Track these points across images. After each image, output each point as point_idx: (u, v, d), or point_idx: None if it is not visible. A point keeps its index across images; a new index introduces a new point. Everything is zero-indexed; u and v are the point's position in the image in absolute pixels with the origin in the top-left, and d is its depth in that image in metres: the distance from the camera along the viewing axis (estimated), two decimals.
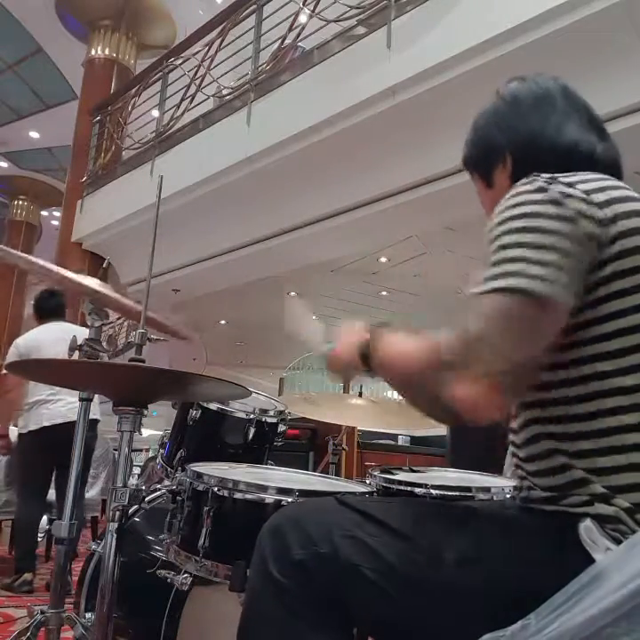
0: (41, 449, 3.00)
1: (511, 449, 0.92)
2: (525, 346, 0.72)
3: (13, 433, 3.31)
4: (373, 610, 0.78)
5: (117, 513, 1.17)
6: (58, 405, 3.02)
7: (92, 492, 4.08)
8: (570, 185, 0.77)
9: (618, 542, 0.72)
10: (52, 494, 3.95)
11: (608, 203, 0.77)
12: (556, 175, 0.79)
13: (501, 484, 1.26)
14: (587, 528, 0.72)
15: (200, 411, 1.65)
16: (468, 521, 0.80)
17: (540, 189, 0.77)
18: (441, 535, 0.77)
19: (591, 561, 0.70)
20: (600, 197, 0.77)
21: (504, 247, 0.75)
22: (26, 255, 1.39)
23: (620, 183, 0.83)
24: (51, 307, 3.17)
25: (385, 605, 0.77)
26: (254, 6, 4.78)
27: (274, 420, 1.71)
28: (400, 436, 4.51)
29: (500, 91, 0.99)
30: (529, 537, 0.76)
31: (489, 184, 0.97)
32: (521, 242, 0.73)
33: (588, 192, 0.77)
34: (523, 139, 0.92)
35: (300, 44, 4.46)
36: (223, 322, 10.18)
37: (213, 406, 1.65)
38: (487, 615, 0.71)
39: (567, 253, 0.72)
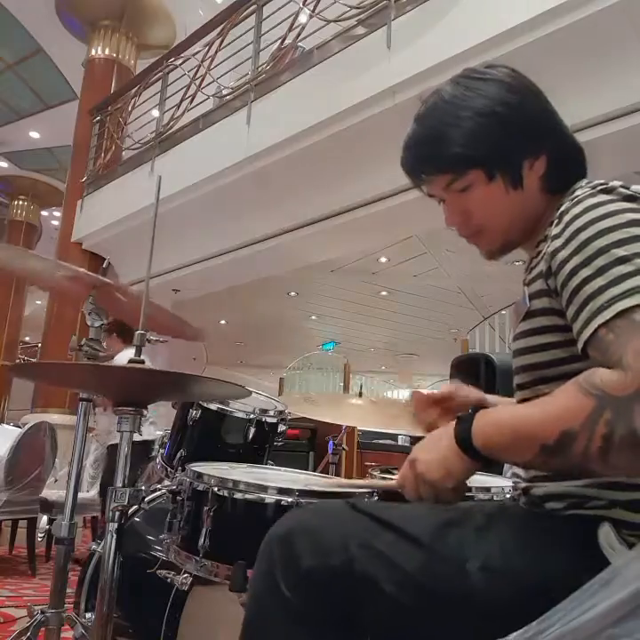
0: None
1: None
2: None
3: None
4: (389, 622, 0.75)
5: (117, 513, 1.17)
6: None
7: (92, 492, 4.08)
8: None
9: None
10: (52, 494, 3.96)
11: None
12: (619, 183, 0.78)
13: (501, 484, 1.26)
14: (605, 533, 0.71)
15: (200, 411, 1.65)
16: (489, 528, 0.77)
17: (630, 198, 0.76)
18: (463, 544, 0.74)
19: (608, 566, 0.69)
20: None
21: (625, 259, 0.70)
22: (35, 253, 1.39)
23: None
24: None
25: (401, 617, 0.74)
26: (254, 6, 4.77)
27: (274, 420, 1.71)
28: (400, 436, 4.51)
29: (490, 73, 0.88)
30: (549, 543, 0.74)
31: (516, 185, 0.87)
32: None
33: None
34: (557, 133, 0.89)
35: (299, 44, 4.45)
36: (223, 322, 10.18)
37: (213, 406, 1.65)
38: (507, 624, 0.69)
39: None
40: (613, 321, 0.68)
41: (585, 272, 0.72)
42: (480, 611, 0.72)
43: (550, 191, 0.88)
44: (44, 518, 3.98)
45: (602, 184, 0.79)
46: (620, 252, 0.70)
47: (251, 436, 1.64)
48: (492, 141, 0.86)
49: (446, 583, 0.72)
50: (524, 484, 0.86)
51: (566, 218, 0.78)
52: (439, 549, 0.74)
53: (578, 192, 0.81)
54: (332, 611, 0.75)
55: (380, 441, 4.37)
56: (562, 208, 0.80)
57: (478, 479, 1.42)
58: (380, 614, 0.75)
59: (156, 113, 5.74)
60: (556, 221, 0.80)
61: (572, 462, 0.69)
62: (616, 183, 0.78)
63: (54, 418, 4.91)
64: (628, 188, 0.77)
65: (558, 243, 0.77)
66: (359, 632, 0.77)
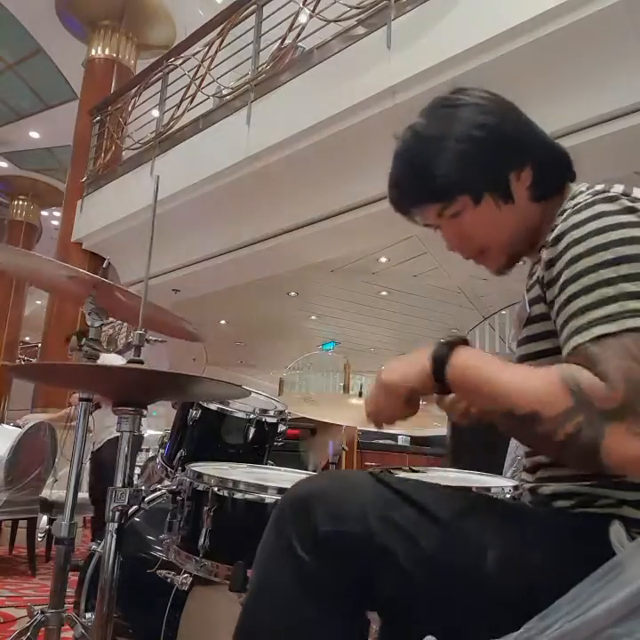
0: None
1: (523, 451, 0.91)
2: None
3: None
4: (400, 597, 0.75)
5: (117, 513, 1.17)
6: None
7: None
8: None
9: None
10: (52, 494, 3.96)
11: None
12: (622, 190, 0.77)
13: (501, 484, 1.26)
14: (616, 530, 0.71)
15: (200, 411, 1.65)
16: (509, 518, 0.78)
17: (631, 210, 0.74)
18: (484, 530, 0.75)
19: None
20: None
21: (610, 282, 0.70)
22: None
23: None
24: None
25: (413, 594, 0.74)
26: (254, 6, 4.77)
27: (274, 420, 1.71)
28: (400, 436, 4.51)
29: (459, 99, 0.89)
30: (562, 539, 0.75)
31: (507, 200, 0.87)
32: (634, 273, 0.70)
33: None
34: (537, 142, 0.90)
35: (299, 43, 4.45)
36: (223, 322, 10.17)
37: (213, 406, 1.65)
38: (514, 616, 0.70)
39: None
40: (593, 342, 0.69)
41: (572, 288, 0.73)
42: (491, 599, 0.72)
43: (540, 198, 0.89)
44: (44, 518, 3.98)
45: (603, 191, 0.78)
46: (608, 273, 0.70)
47: (251, 436, 1.64)
48: (473, 165, 0.86)
49: (462, 566, 0.73)
50: (529, 485, 0.87)
51: (563, 227, 0.77)
52: (459, 532, 0.74)
53: (579, 198, 0.80)
54: (346, 578, 0.74)
55: (380, 441, 4.36)
56: (564, 214, 0.80)
57: (478, 479, 1.42)
58: (392, 588, 0.74)
59: (155, 113, 5.74)
60: (553, 227, 0.80)
61: (529, 435, 0.71)
62: (618, 190, 0.77)
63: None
64: (628, 196, 0.76)
65: (553, 253, 0.77)
66: (369, 602, 0.77)
